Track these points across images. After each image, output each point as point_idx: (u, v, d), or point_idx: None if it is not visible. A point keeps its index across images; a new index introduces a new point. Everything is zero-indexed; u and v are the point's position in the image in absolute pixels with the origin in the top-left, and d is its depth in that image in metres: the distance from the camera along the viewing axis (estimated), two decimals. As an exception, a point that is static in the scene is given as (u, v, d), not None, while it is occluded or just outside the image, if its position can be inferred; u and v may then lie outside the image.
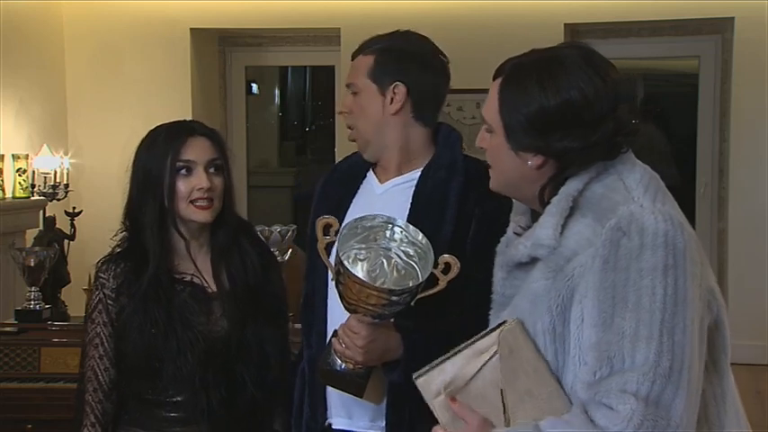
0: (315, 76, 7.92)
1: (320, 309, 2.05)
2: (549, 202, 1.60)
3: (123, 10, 5.05)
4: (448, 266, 1.78)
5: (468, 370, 1.57)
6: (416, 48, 2.05)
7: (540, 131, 1.61)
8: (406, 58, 2.03)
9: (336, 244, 1.80)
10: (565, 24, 4.94)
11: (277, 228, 3.43)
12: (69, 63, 5.11)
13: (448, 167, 2.03)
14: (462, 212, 1.97)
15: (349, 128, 2.09)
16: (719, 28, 4.95)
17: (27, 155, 4.47)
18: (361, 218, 1.85)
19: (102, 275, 2.12)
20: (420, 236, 1.82)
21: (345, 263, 1.75)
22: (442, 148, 2.06)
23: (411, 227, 1.84)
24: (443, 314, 1.82)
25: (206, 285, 2.12)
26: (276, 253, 3.32)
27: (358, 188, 2.10)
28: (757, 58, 4.70)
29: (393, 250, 1.84)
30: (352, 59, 2.09)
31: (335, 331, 1.90)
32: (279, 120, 8.27)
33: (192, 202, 2.07)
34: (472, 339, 1.58)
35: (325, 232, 1.86)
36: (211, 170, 2.11)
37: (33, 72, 4.67)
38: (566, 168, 1.61)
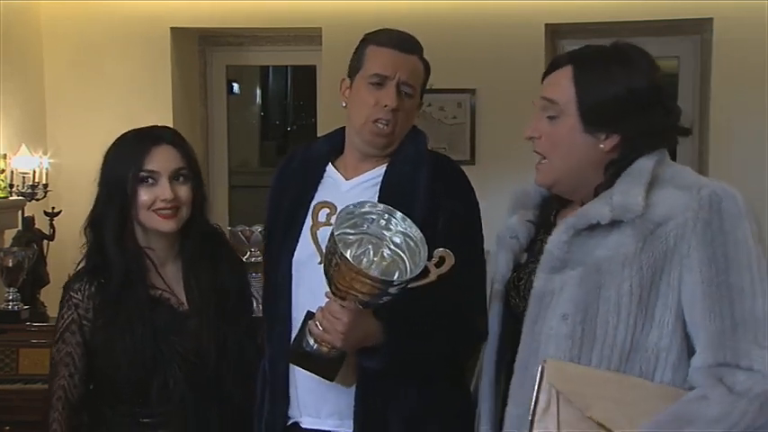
0: (296, 76, 7.91)
1: (283, 305, 2.03)
2: (615, 176, 1.69)
3: (102, 9, 5.02)
4: (442, 260, 1.78)
5: (551, 429, 1.58)
6: None
7: (623, 112, 1.70)
8: None
9: (332, 228, 1.79)
10: (546, 24, 4.96)
11: (258, 228, 3.43)
12: (48, 62, 5.07)
13: (413, 161, 2.03)
14: (431, 204, 1.97)
15: (391, 125, 2.04)
16: (698, 28, 4.97)
17: (5, 155, 4.43)
18: (359, 203, 1.85)
19: (75, 295, 2.07)
20: (415, 229, 1.83)
21: (342, 249, 1.74)
22: (407, 144, 2.06)
23: (408, 219, 1.84)
24: (419, 300, 1.82)
25: (181, 303, 2.10)
26: (257, 253, 3.32)
27: (318, 182, 2.08)
28: (736, 58, 4.72)
29: (384, 239, 1.84)
30: (407, 53, 2.03)
31: (310, 313, 1.89)
32: (260, 119, 8.26)
33: (154, 210, 2.04)
34: (531, 408, 1.60)
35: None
36: (179, 179, 2.08)
37: (11, 72, 4.63)
38: (634, 150, 1.71)
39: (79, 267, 2.13)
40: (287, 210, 2.08)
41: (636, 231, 1.64)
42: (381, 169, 2.04)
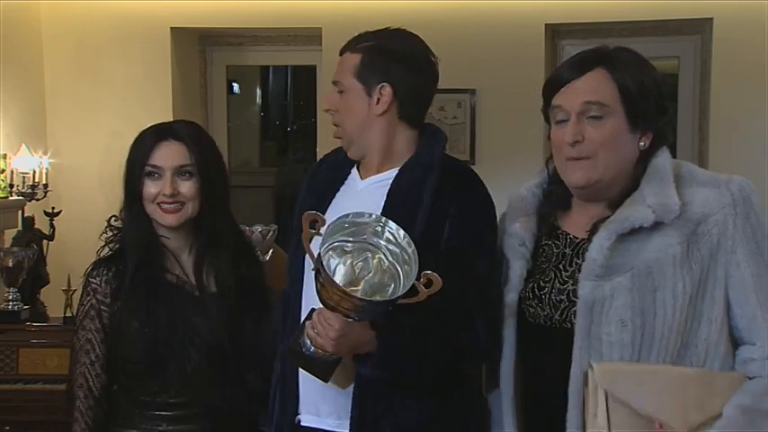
0: (296, 76, 7.91)
1: (295, 303, 2.04)
2: (639, 177, 1.74)
3: (103, 9, 5.02)
4: (430, 282, 1.78)
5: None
6: (404, 47, 2.04)
7: (658, 106, 1.76)
8: (393, 57, 2.01)
9: (321, 241, 1.79)
10: (546, 25, 4.96)
11: (258, 228, 3.43)
12: (48, 62, 5.07)
13: (425, 166, 2.02)
14: (436, 210, 1.96)
15: (335, 125, 2.09)
16: (698, 28, 4.97)
17: (5, 155, 4.43)
18: (351, 213, 1.85)
19: (94, 281, 2.10)
20: (408, 242, 1.83)
21: (326, 267, 1.74)
22: (422, 148, 2.05)
23: (402, 231, 1.84)
24: (417, 311, 1.81)
25: (196, 288, 2.12)
26: (257, 253, 3.32)
27: (342, 183, 2.10)
28: (736, 58, 4.72)
29: (380, 248, 1.84)
30: (340, 55, 2.08)
31: (311, 312, 1.90)
32: (260, 119, 8.25)
33: (158, 204, 2.08)
34: (587, 418, 1.62)
35: (312, 226, 1.85)
36: (184, 175, 2.10)
37: (11, 72, 4.63)
38: (657, 146, 1.76)
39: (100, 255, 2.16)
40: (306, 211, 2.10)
41: (678, 232, 1.67)
42: (394, 171, 2.04)
